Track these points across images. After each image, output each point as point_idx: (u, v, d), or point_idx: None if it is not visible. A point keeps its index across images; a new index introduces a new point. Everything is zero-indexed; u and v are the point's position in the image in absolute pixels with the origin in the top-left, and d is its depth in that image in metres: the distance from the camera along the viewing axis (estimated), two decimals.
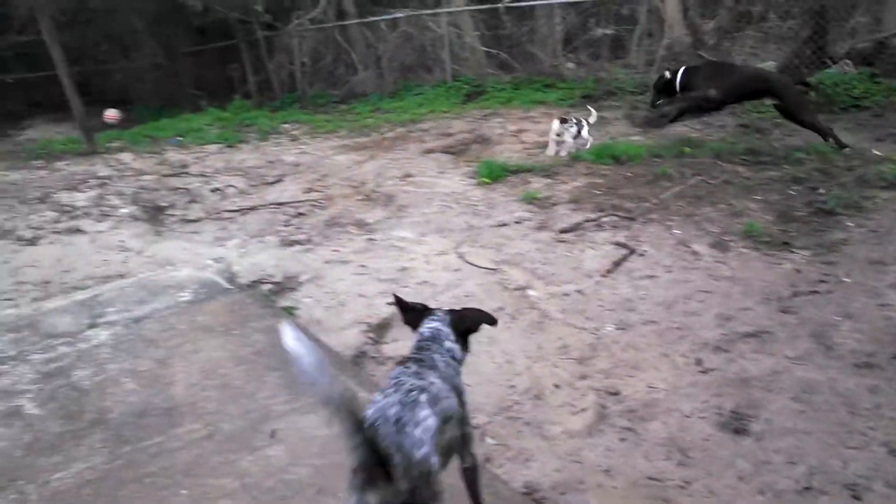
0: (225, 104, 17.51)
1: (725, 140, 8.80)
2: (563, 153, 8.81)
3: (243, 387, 4.21)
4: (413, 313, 2.84)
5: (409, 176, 8.89)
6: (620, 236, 6.09)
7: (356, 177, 9.16)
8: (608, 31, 14.86)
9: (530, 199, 7.23)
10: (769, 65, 10.52)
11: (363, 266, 6.08)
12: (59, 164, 11.53)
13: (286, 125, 14.19)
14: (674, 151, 8.28)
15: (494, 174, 8.19)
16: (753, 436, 3.41)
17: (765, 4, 12.76)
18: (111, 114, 16.39)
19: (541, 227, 6.52)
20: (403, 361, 2.54)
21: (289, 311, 5.31)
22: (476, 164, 8.90)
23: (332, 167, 9.90)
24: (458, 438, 2.50)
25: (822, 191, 6.52)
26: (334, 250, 6.54)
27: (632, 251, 5.76)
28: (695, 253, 5.61)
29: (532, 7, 15.22)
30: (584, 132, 8.84)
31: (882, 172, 6.71)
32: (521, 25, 15.75)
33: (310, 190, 8.78)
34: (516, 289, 5.33)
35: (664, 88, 8.84)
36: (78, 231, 7.73)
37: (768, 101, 8.54)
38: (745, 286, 4.97)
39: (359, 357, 4.58)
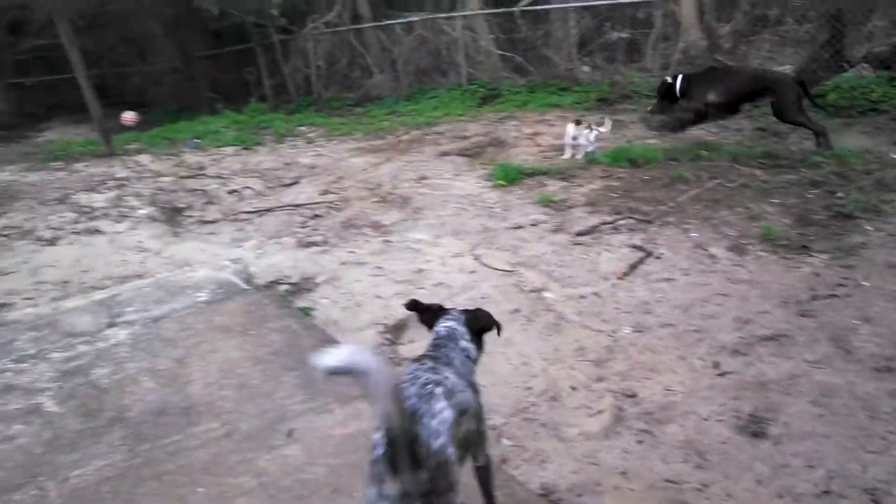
0: (241, 107, 17.58)
1: (742, 143, 8.77)
2: (580, 156, 8.79)
3: (260, 386, 4.24)
4: (429, 313, 2.86)
5: (424, 178, 8.91)
6: (637, 239, 6.08)
7: (372, 179, 9.18)
8: (623, 35, 14.82)
9: (546, 202, 7.22)
10: (786, 68, 10.47)
11: (379, 267, 6.09)
12: (77, 166, 11.62)
13: (302, 128, 14.24)
14: (690, 155, 8.25)
15: (510, 177, 8.19)
16: (772, 439, 3.39)
17: (781, 8, 12.67)
18: (129, 116, 16.48)
19: (557, 230, 6.52)
20: (419, 359, 2.56)
21: (305, 312, 5.33)
22: (491, 166, 8.90)
23: (348, 169, 9.93)
24: (474, 433, 2.50)
25: (840, 194, 6.49)
26: (350, 252, 6.56)
27: (648, 254, 5.75)
28: (712, 256, 5.60)
29: (547, 11, 15.20)
30: (592, 137, 8.80)
31: None
32: (536, 29, 15.72)
33: (326, 192, 8.81)
34: (532, 291, 5.33)
35: (666, 94, 8.85)
36: (97, 232, 7.79)
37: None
38: (762, 290, 4.95)
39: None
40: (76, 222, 8.14)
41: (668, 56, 13.01)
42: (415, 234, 6.86)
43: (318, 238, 7.04)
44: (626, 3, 14.76)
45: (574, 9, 14.48)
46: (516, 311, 5.00)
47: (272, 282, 6.02)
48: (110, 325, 5.27)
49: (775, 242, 5.65)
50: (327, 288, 5.80)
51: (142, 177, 10.42)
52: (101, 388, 4.35)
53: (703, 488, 3.12)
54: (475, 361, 2.73)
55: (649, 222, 6.40)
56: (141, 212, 8.51)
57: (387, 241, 6.75)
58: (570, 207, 7.06)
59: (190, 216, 8.33)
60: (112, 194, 9.37)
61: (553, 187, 7.78)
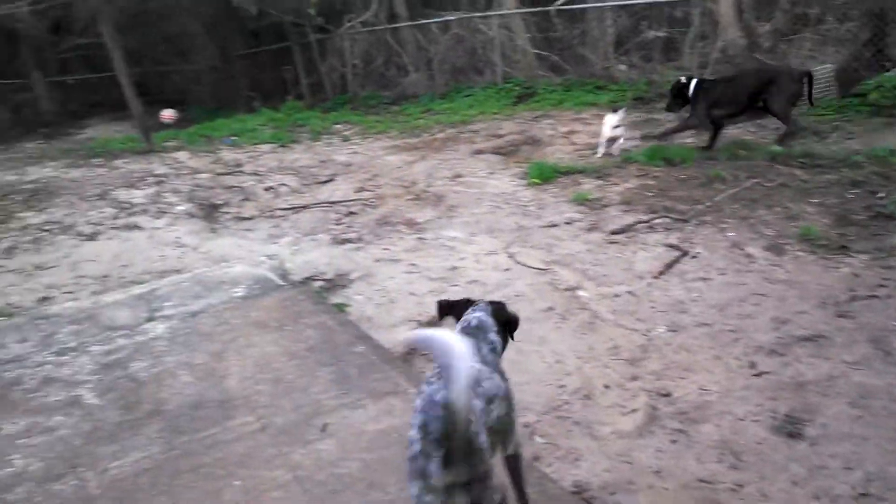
0: (278, 105, 17.76)
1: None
2: (616, 152, 8.75)
3: (295, 381, 4.27)
4: (458, 307, 2.87)
5: (459, 176, 8.92)
6: (673, 238, 6.03)
7: (407, 177, 9.22)
8: (660, 34, 14.68)
9: (581, 200, 7.20)
10: (827, 67, 10.30)
11: (413, 265, 6.11)
12: (117, 163, 11.84)
13: (338, 126, 14.33)
14: (728, 154, 8.17)
15: (545, 175, 8.17)
16: (808, 440, 3.35)
17: (822, 6, 12.46)
18: (168, 114, 16.72)
19: (592, 229, 6.49)
20: None
21: (340, 308, 5.37)
22: (526, 165, 8.89)
23: (383, 167, 9.98)
24: (504, 418, 2.50)
25: (881, 194, 6.38)
26: (385, 249, 6.60)
27: (684, 253, 5.70)
28: (749, 256, 5.53)
29: (583, 9, 15.12)
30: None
31: None
32: (572, 28, 15.65)
33: (361, 189, 8.86)
34: (567, 289, 5.32)
35: (678, 94, 8.74)
36: (136, 227, 7.92)
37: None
38: (800, 290, 4.89)
39: (409, 354, 4.60)
40: (116, 218, 8.29)
41: (706, 55, 12.86)
42: (449, 231, 6.87)
43: (352, 235, 7.09)
44: (663, 1, 14.61)
45: (611, 7, 14.39)
46: (550, 309, 4.99)
47: (307, 278, 6.07)
48: (149, 320, 5.35)
49: (814, 242, 5.57)
50: (362, 284, 5.84)
51: (180, 173, 10.58)
52: (140, 382, 4.42)
53: (738, 489, 3.08)
54: (499, 354, 2.73)
55: (685, 221, 6.35)
56: (179, 208, 8.63)
57: (421, 238, 6.77)
58: (605, 206, 7.02)
59: (227, 212, 8.43)
60: (151, 190, 9.53)
61: (588, 186, 7.75)
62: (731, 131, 9.05)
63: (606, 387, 4.01)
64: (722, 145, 8.52)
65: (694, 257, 5.63)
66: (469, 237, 6.65)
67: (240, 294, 5.75)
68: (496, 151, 10.05)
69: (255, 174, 10.25)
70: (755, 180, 7.13)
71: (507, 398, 2.56)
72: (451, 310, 2.90)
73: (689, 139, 9.16)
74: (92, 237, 7.63)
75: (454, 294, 2.96)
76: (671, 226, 6.32)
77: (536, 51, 15.65)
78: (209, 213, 8.44)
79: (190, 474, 3.45)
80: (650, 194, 7.19)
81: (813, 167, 7.41)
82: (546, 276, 5.59)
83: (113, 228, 7.90)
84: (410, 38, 17.74)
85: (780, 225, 6.03)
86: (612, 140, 8.79)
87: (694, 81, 8.55)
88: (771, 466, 3.20)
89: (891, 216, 5.89)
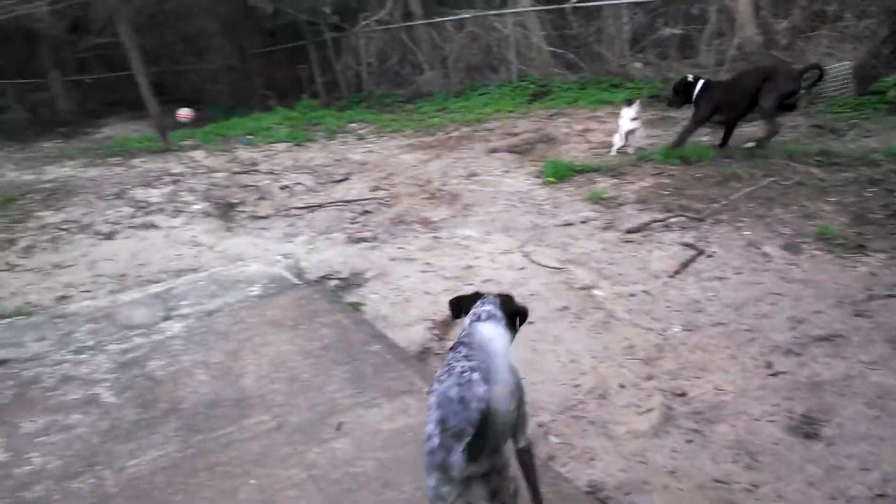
0: (293, 104, 17.83)
1: (798, 141, 8.58)
2: (634, 145, 8.73)
3: (311, 380, 4.29)
4: (467, 301, 2.87)
5: (474, 175, 8.92)
6: (688, 237, 6.01)
7: (422, 175, 9.22)
8: (676, 31, 14.62)
9: (596, 199, 7.18)
10: (845, 65, 10.22)
11: (428, 263, 6.12)
12: (134, 161, 11.91)
13: (353, 124, 14.36)
14: (744, 152, 8.12)
15: (560, 174, 8.16)
16: (825, 440, 3.33)
17: (840, 3, 12.38)
18: (184, 113, 16.79)
19: (607, 227, 6.48)
20: (454, 346, 2.57)
21: (355, 307, 5.38)
22: (541, 163, 8.87)
23: (398, 166, 9.99)
24: (514, 411, 2.49)
25: None
26: (400, 248, 6.61)
27: (700, 252, 5.68)
28: (765, 255, 5.50)
29: (599, 7, 15.10)
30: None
31: None
32: (588, 25, 15.63)
33: (376, 188, 8.88)
34: (582, 288, 5.31)
35: (683, 91, 8.64)
36: (152, 226, 7.96)
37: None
38: (817, 289, 4.86)
39: (423, 353, 4.61)
40: (133, 217, 8.34)
41: (723, 52, 12.81)
42: (464, 230, 6.88)
43: (367, 234, 7.10)
44: None
45: (627, 4, 14.35)
46: (565, 308, 4.99)
47: (323, 277, 6.09)
48: (165, 318, 5.38)
49: (831, 241, 5.53)
50: (377, 283, 5.85)
51: (196, 172, 10.63)
52: (157, 380, 4.45)
53: (754, 489, 3.07)
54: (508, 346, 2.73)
55: (701, 220, 6.32)
56: (195, 207, 8.67)
57: (436, 237, 6.78)
58: (620, 205, 7.01)
59: (242, 211, 8.47)
60: (167, 189, 9.58)
61: (603, 184, 7.73)
62: (747, 129, 8.99)
63: (621, 386, 4.01)
64: (738, 143, 8.46)
65: (710, 256, 5.61)
66: (484, 236, 6.65)
67: (255, 293, 5.77)
68: (511, 150, 10.05)
69: (271, 173, 10.29)
70: (771, 178, 7.09)
71: (518, 390, 2.56)
72: (462, 306, 2.90)
73: (704, 137, 9.11)
74: (109, 236, 7.68)
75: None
76: (687, 224, 6.29)
77: (552, 48, 15.64)
78: (225, 211, 8.48)
79: (206, 473, 3.47)
80: (666, 193, 7.17)
81: (830, 165, 7.36)
82: (561, 275, 5.58)
83: (130, 227, 7.94)
84: (425, 36, 17.76)
85: (796, 224, 5.99)
86: (631, 132, 8.76)
87: (701, 83, 8.48)
88: (787, 467, 3.19)
89: None
